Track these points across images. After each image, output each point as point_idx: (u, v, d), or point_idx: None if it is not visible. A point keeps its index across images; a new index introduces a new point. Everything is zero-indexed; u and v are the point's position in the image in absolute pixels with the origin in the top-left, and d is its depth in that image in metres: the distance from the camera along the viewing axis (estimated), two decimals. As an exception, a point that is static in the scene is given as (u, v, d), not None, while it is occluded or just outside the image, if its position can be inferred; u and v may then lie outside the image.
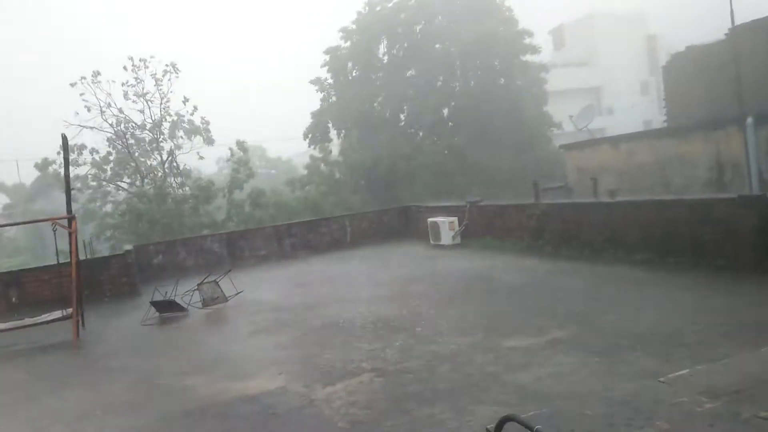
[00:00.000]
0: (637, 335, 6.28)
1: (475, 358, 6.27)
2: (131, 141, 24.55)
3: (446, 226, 14.93)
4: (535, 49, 26.06)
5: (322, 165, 24.94)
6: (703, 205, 9.42)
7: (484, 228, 14.54)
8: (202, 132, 24.69)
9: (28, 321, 10.32)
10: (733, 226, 8.67)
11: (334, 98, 27.44)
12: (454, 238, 14.87)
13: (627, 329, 6.57)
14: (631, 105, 37.03)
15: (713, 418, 2.33)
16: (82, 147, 23.76)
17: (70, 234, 10.24)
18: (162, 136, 24.63)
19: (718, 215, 8.97)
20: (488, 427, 2.85)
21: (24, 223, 14.95)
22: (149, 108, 24.24)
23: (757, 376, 2.69)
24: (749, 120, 12.91)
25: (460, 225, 14.98)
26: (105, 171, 24.55)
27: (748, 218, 8.48)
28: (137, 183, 24.32)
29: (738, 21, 14.82)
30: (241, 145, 23.69)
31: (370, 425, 4.97)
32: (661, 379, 3.03)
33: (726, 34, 15.80)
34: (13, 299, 12.92)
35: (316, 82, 28.05)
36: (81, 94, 22.73)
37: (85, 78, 22.72)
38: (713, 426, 2.27)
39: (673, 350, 5.66)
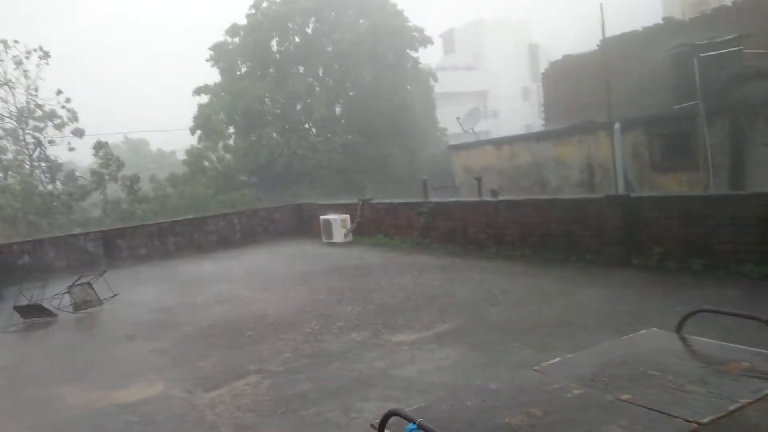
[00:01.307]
0: (516, 327, 6.61)
1: (363, 355, 6.29)
2: None
3: (338, 223, 14.92)
4: (428, 39, 26.60)
5: (206, 162, 23.99)
6: (574, 204, 10.10)
7: (376, 225, 14.69)
8: (66, 120, 22.73)
9: None
10: (602, 223, 9.38)
11: (222, 94, 26.56)
12: (346, 235, 14.90)
13: (507, 321, 6.89)
14: (512, 109, 39.04)
15: (581, 402, 2.45)
16: None
17: None
18: (27, 127, 22.52)
19: (588, 214, 9.66)
20: (373, 423, 2.84)
21: None
22: (13, 95, 22.16)
23: (619, 362, 2.88)
24: (616, 126, 14.03)
25: (352, 223, 15.03)
26: None
27: (614, 217, 9.21)
28: None
29: (610, 33, 16.09)
30: (100, 143, 22.09)
31: (256, 428, 4.83)
32: (536, 367, 3.16)
33: (598, 45, 17.08)
34: None
35: (200, 90, 26.90)
36: None
37: None
38: (581, 410, 2.39)
39: (548, 340, 6.01)
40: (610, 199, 9.51)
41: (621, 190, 13.35)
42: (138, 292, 11.40)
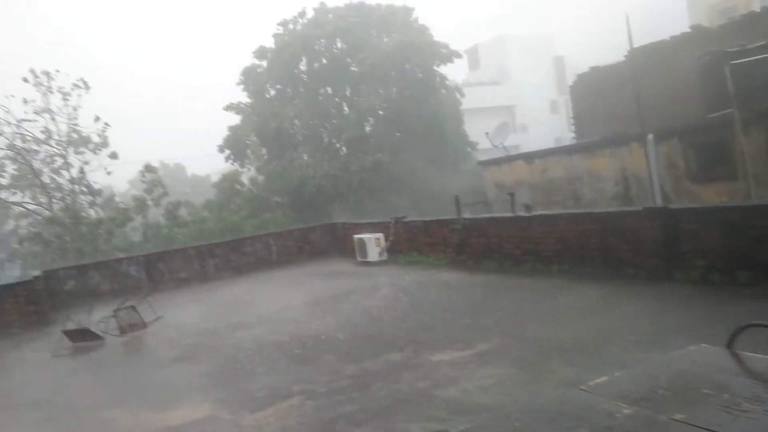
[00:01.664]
0: (557, 344, 6.55)
1: (405, 375, 6.32)
2: (33, 157, 23.12)
3: (372, 242, 15.01)
4: (456, 54, 26.68)
5: (237, 185, 24.52)
6: (611, 218, 9.98)
7: (409, 243, 14.74)
8: (101, 145, 23.50)
9: None
10: (640, 236, 9.25)
11: (254, 117, 27.13)
12: (380, 254, 14.96)
13: (548, 338, 6.84)
14: (541, 123, 38.73)
15: (632, 423, 2.45)
16: None
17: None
18: (64, 151, 23.33)
19: (625, 227, 9.54)
20: (422, 444, 2.88)
21: None
22: (55, 124, 23.05)
23: (669, 379, 2.85)
24: (650, 137, 13.86)
25: (386, 241, 15.10)
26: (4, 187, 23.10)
27: (652, 229, 9.08)
28: (42, 201, 22.93)
29: (636, 43, 15.95)
30: (149, 167, 22.87)
31: (303, 449, 4.90)
32: (582, 386, 3.15)
33: (625, 56, 16.94)
34: None
35: (231, 107, 27.62)
36: None
37: None
38: (633, 431, 2.38)
39: (591, 358, 5.94)
40: (648, 212, 9.38)
41: (658, 202, 13.15)
42: (180, 314, 11.65)
